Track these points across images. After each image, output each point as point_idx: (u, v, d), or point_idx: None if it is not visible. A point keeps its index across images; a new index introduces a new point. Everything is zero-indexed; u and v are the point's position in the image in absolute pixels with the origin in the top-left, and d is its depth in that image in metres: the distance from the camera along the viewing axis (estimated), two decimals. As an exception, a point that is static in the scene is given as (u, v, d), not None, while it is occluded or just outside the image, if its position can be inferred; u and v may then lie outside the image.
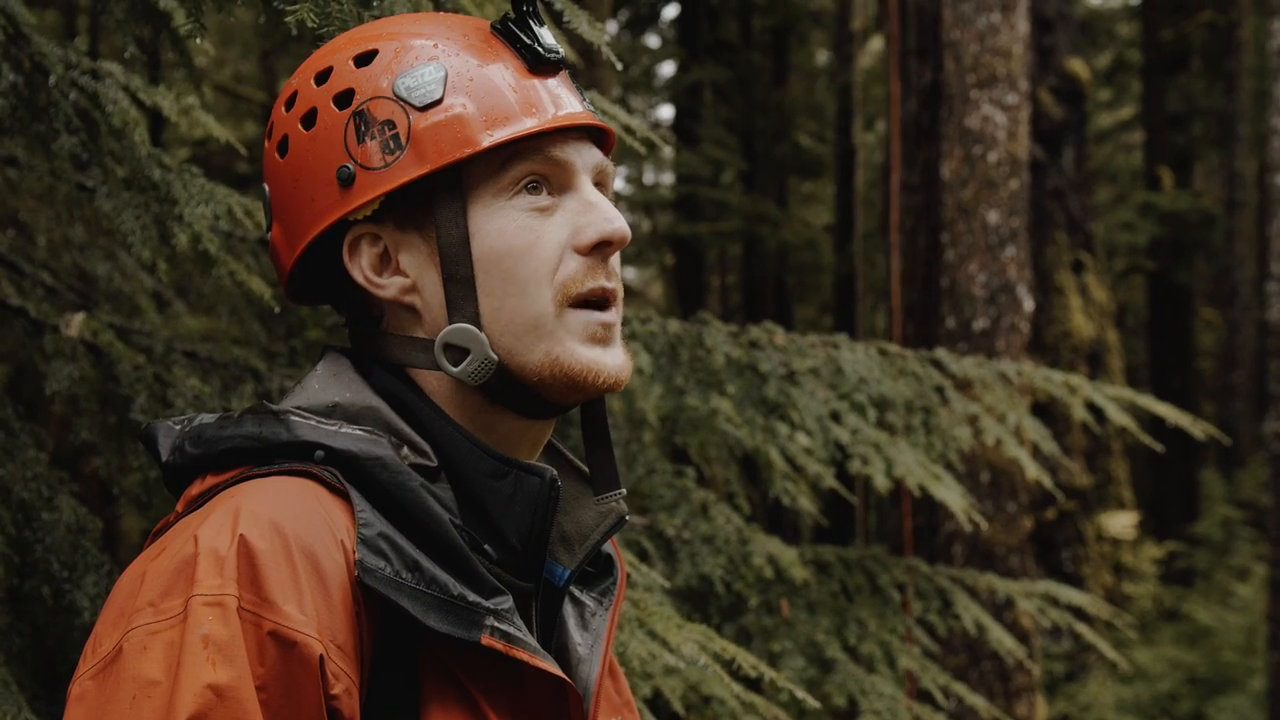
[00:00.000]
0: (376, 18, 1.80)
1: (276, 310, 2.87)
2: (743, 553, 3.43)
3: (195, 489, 1.31)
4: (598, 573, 1.51)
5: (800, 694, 2.45)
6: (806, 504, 3.76)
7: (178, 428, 1.37)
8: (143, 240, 2.69)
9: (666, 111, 20.66)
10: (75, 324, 2.94)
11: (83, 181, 3.51)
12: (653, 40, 18.71)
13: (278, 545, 1.20)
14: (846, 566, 3.76)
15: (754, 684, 2.83)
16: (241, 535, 1.19)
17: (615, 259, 1.40)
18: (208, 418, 1.35)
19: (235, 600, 1.17)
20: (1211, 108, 16.99)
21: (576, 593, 1.48)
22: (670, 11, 17.51)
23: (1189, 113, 17.46)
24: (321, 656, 1.18)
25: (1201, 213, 16.12)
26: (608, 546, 1.53)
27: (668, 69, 18.18)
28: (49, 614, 2.58)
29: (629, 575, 2.80)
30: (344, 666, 1.20)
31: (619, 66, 2.34)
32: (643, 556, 3.38)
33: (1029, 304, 7.12)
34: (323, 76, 1.37)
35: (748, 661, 2.46)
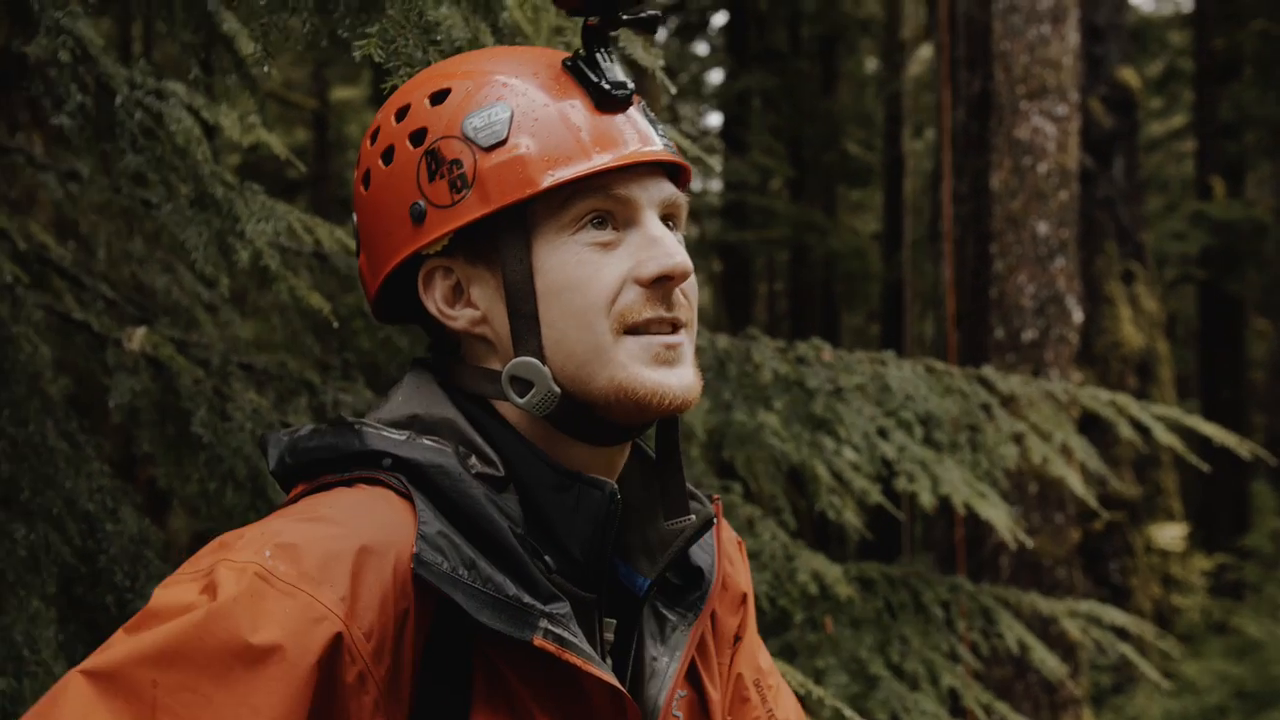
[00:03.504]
0: (441, 50, 1.85)
1: (335, 325, 2.92)
2: (788, 569, 3.45)
3: (292, 496, 1.39)
4: (685, 585, 1.50)
5: (845, 710, 2.47)
6: (851, 518, 3.77)
7: (285, 439, 1.42)
8: (206, 257, 2.75)
9: (715, 119, 20.68)
10: (137, 338, 3.01)
11: (144, 196, 3.58)
12: (701, 48, 18.74)
13: (325, 536, 1.26)
14: (890, 583, 3.78)
15: (798, 700, 2.85)
16: (300, 527, 1.27)
17: (690, 289, 1.42)
18: (305, 429, 1.42)
19: (261, 567, 1.23)
20: (1264, 116, 16.83)
21: (659, 605, 1.48)
22: (719, 19, 17.54)
23: (1241, 121, 17.29)
24: (340, 634, 1.22)
25: (1253, 222, 15.95)
26: (701, 558, 1.51)
27: (716, 76, 18.22)
28: (112, 623, 2.64)
29: None
30: (363, 654, 1.23)
31: (672, 91, 2.37)
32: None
33: (1078, 315, 7.11)
34: (401, 114, 1.41)
35: (795, 679, 2.49)
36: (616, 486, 1.39)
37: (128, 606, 2.57)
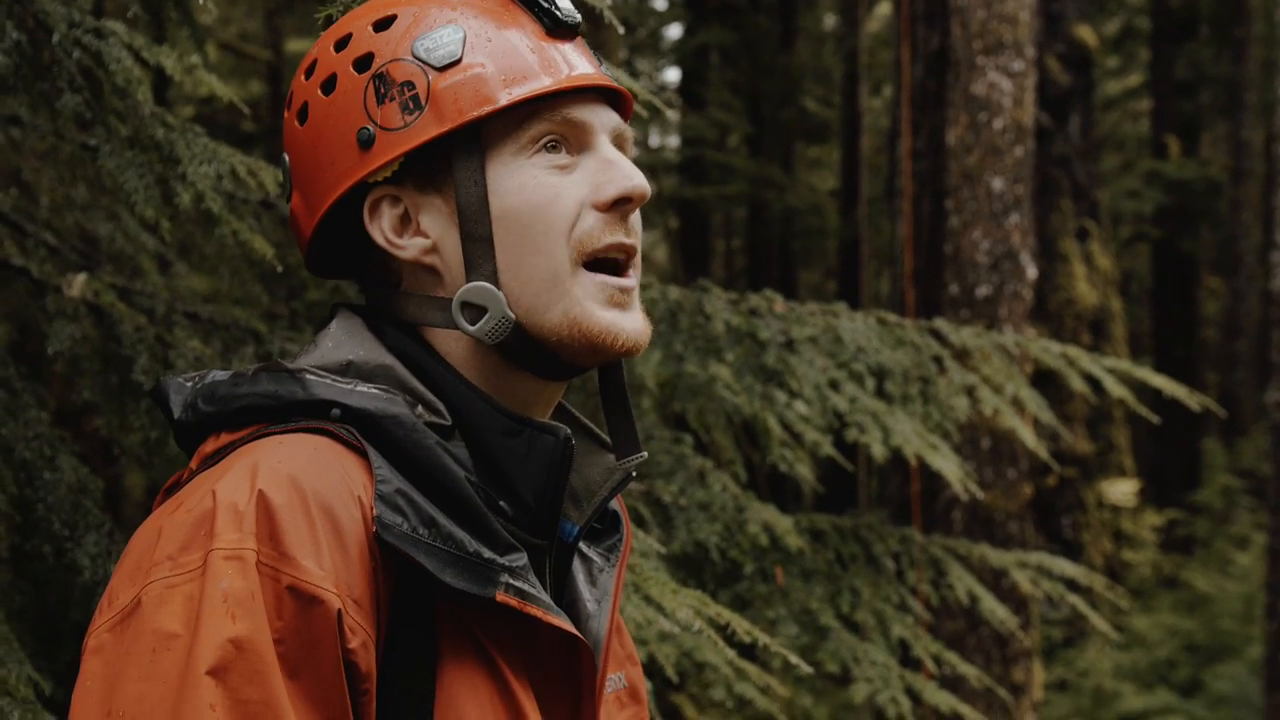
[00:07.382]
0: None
1: (279, 270, 2.88)
2: (738, 520, 3.45)
3: (209, 446, 1.32)
4: (604, 529, 1.51)
5: (794, 660, 2.47)
6: (804, 471, 3.77)
7: (189, 385, 1.37)
8: (146, 199, 2.70)
9: (673, 74, 20.61)
10: (78, 285, 2.96)
11: (86, 141, 3.52)
12: (660, 2, 18.62)
13: (295, 500, 1.20)
14: (841, 535, 3.78)
15: (748, 650, 2.85)
16: (260, 490, 1.20)
17: (636, 219, 1.41)
18: (220, 375, 1.36)
19: (254, 554, 1.17)
20: (1220, 76, 16.92)
21: (584, 549, 1.49)
22: (678, -27, 17.42)
23: (1197, 80, 17.38)
24: (339, 611, 1.18)
25: (1207, 181, 16.08)
26: (613, 503, 1.54)
27: (674, 31, 18.10)
28: (50, 572, 2.61)
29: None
30: (360, 621, 1.21)
31: (620, 30, 2.34)
32: (639, 522, 3.40)
33: (1032, 271, 7.11)
34: (342, 43, 1.38)
35: (742, 627, 2.48)
36: (569, 431, 1.37)
37: (65, 556, 2.54)
